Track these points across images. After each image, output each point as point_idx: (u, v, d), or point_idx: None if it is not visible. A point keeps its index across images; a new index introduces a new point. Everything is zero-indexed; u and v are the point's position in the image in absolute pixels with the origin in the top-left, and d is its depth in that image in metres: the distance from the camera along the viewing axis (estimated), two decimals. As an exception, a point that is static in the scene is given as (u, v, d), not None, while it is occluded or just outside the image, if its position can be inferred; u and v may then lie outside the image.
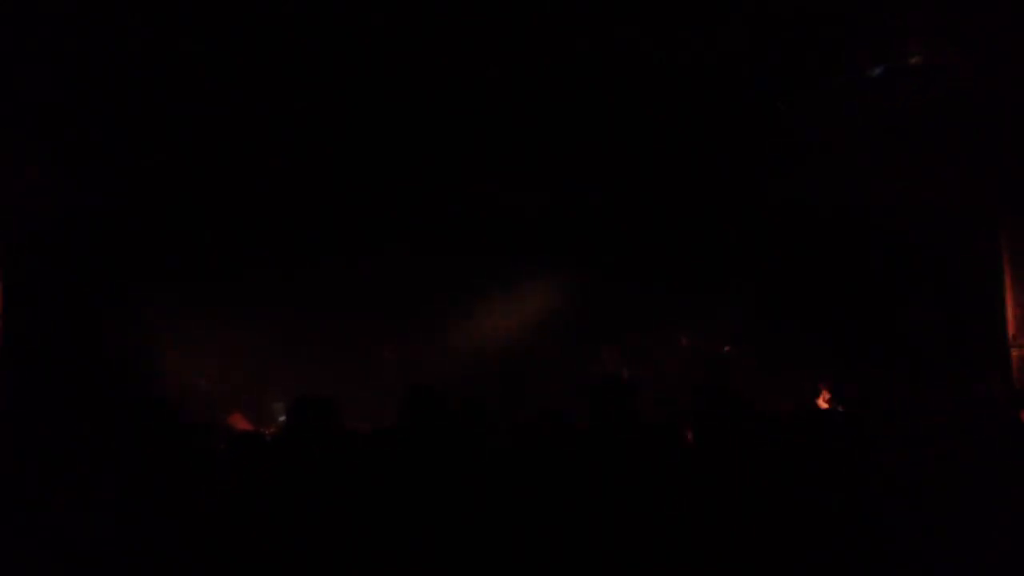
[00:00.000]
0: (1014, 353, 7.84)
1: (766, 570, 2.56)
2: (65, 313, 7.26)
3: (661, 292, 8.30)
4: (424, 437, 3.29)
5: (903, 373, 7.05)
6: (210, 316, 7.63)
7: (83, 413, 4.75)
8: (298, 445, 3.20)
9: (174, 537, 2.68)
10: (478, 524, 2.73)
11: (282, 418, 6.78)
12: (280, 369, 7.68)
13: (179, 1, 5.42)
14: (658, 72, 6.27)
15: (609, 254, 8.38)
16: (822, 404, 6.51)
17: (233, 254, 7.95)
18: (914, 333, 7.87)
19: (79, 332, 7.26)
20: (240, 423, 6.68)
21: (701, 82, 6.44)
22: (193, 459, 3.16)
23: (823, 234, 8.32)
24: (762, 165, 7.50)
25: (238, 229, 7.99)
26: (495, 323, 8.38)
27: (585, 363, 7.80)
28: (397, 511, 2.79)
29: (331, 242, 8.23)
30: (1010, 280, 7.99)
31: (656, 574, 2.61)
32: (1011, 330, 7.91)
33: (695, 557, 2.61)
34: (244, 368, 7.58)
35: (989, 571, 2.44)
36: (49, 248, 7.21)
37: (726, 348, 8.00)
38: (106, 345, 7.26)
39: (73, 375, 6.74)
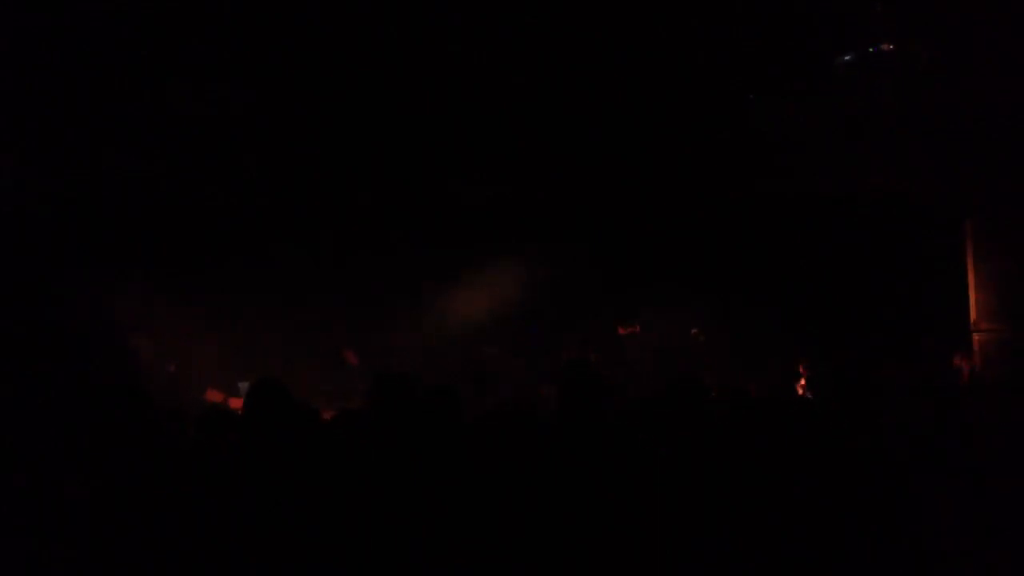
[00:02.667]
0: (976, 338, 8.00)
1: (742, 557, 2.57)
2: (29, 300, 7.16)
3: (629, 278, 8.34)
4: (391, 423, 3.26)
5: (872, 357, 7.15)
6: (177, 301, 7.59)
7: (51, 401, 4.68)
8: (257, 427, 3.16)
9: (150, 523, 2.65)
10: (448, 513, 2.71)
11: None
12: (245, 350, 7.63)
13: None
14: (631, 64, 6.25)
15: (576, 242, 8.39)
16: (799, 389, 6.56)
17: (200, 240, 7.90)
18: (882, 319, 7.98)
19: (44, 320, 7.17)
20: (215, 397, 6.84)
21: (674, 72, 6.43)
22: (165, 445, 3.13)
23: (793, 222, 8.40)
24: (733, 155, 7.52)
25: (206, 215, 7.93)
26: (462, 313, 8.37)
27: (553, 350, 7.79)
28: (363, 498, 2.76)
29: (298, 228, 8.20)
30: (972, 268, 8.14)
31: (626, 562, 2.61)
32: (973, 316, 8.07)
33: (666, 544, 2.61)
34: (209, 351, 7.52)
35: (964, 553, 2.47)
36: (11, 234, 7.10)
37: (693, 332, 8.05)
38: (73, 332, 7.19)
39: (39, 364, 6.66)
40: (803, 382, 6.57)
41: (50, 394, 5.41)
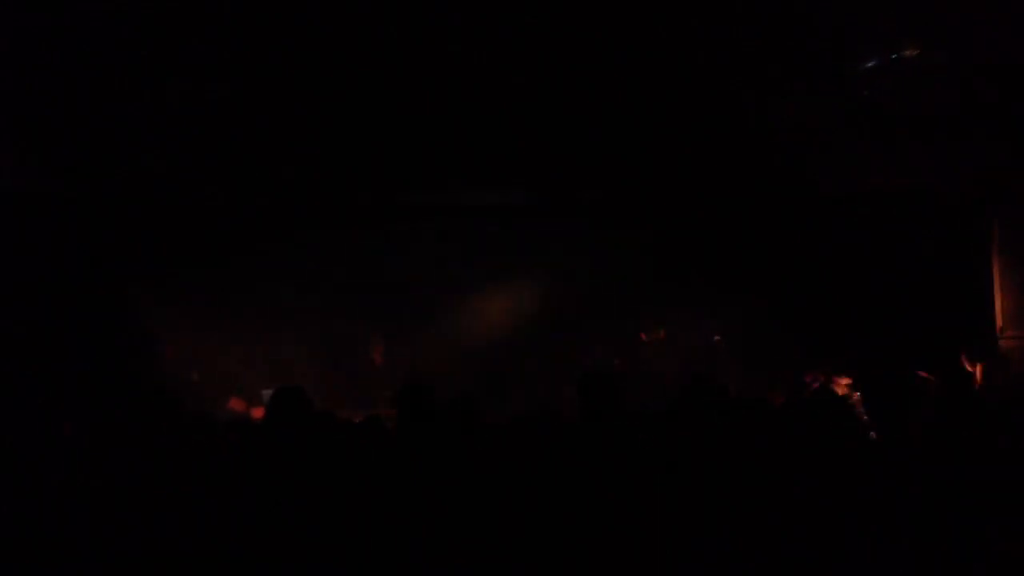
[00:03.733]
0: (1002, 345, 7.90)
1: (754, 560, 2.57)
2: (55, 309, 7.25)
3: (651, 283, 8.32)
4: (417, 432, 3.30)
5: (894, 364, 7.07)
6: (200, 309, 7.65)
7: (78, 408, 4.74)
8: (277, 434, 3.21)
9: (173, 527, 2.68)
10: (469, 519, 2.73)
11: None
12: (269, 359, 7.68)
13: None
14: (643, 67, 6.24)
15: (598, 246, 8.40)
16: (839, 389, 6.43)
17: (224, 248, 7.95)
18: (905, 325, 7.90)
19: (71, 328, 7.26)
20: (238, 406, 6.88)
21: (688, 77, 6.41)
22: (194, 449, 3.17)
23: (814, 227, 8.34)
24: (752, 157, 7.49)
25: (233, 223, 8.01)
26: (484, 318, 8.39)
27: (575, 355, 7.80)
28: (386, 505, 2.78)
29: (324, 237, 8.26)
30: (998, 274, 8.04)
31: (644, 566, 2.62)
32: (999, 323, 7.97)
33: (683, 548, 2.61)
34: (233, 358, 7.57)
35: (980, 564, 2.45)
36: (37, 241, 7.20)
37: (716, 339, 8.02)
38: (98, 341, 7.27)
39: (66, 370, 6.75)
40: (848, 382, 6.44)
41: (76, 402, 5.48)
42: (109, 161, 7.10)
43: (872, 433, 3.49)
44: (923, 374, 5.37)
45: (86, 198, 7.44)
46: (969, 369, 6.59)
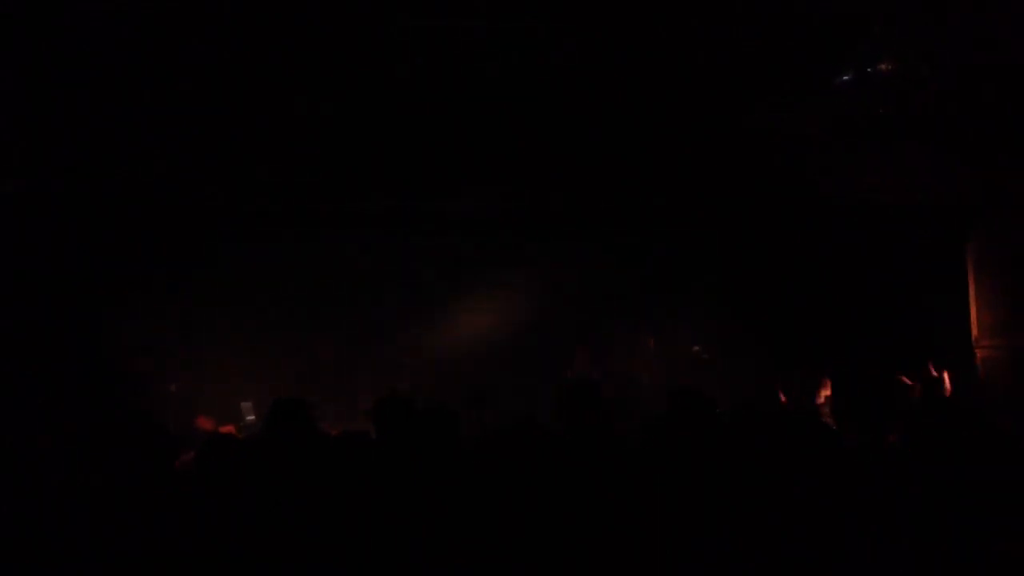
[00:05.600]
0: (978, 354, 7.98)
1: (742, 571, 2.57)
2: (33, 321, 7.17)
3: (632, 293, 8.35)
4: (395, 446, 3.28)
5: (871, 374, 7.10)
6: (179, 320, 7.59)
7: (58, 422, 4.67)
8: (277, 448, 3.18)
9: (157, 541, 2.65)
10: (451, 532, 2.71)
11: (250, 417, 6.76)
12: (245, 371, 7.62)
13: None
14: (634, 72, 6.25)
15: (581, 255, 8.41)
16: (820, 398, 6.47)
17: (204, 256, 7.88)
18: (882, 335, 7.96)
19: (50, 340, 7.17)
20: (206, 425, 6.63)
21: (677, 83, 6.43)
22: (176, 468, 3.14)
23: (793, 237, 8.40)
24: (733, 168, 7.53)
25: (211, 231, 7.94)
26: (462, 329, 8.37)
27: (557, 365, 7.79)
28: (370, 518, 2.76)
29: (303, 245, 8.21)
30: (974, 284, 8.13)
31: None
32: (975, 332, 8.05)
33: (668, 560, 2.61)
34: (209, 371, 7.50)
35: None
36: (18, 254, 7.12)
37: (695, 349, 8.04)
38: (75, 352, 7.19)
39: (44, 385, 6.66)
40: (827, 393, 6.49)
41: (57, 412, 5.41)
42: (88, 164, 7.03)
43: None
44: (904, 379, 5.44)
45: (61, 206, 7.36)
46: (935, 375, 6.67)
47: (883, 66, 6.07)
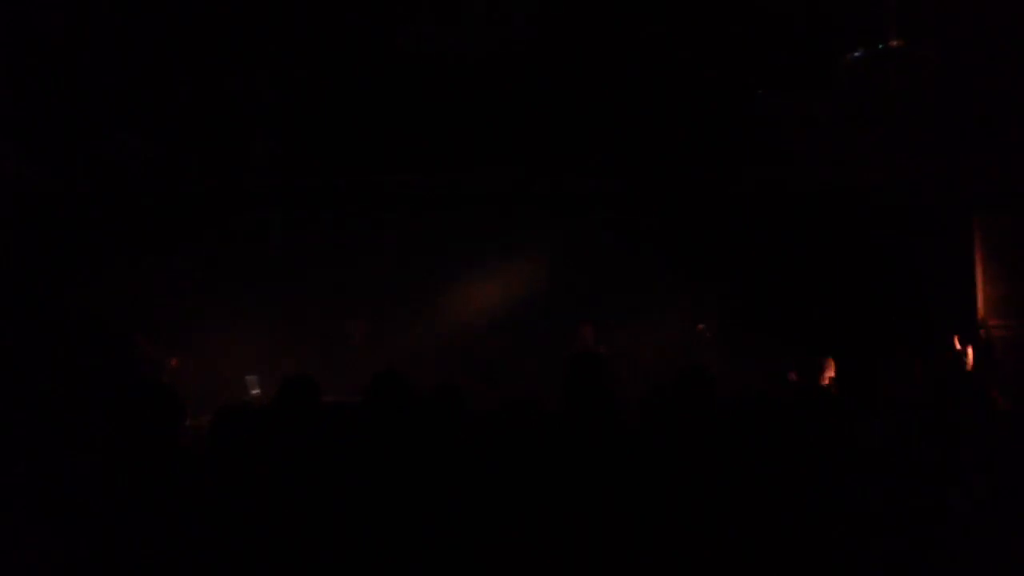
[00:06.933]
0: (983, 334, 7.98)
1: (750, 554, 2.57)
2: (25, 308, 7.18)
3: (638, 271, 8.34)
4: (391, 424, 3.25)
5: (878, 354, 7.13)
6: (179, 295, 7.62)
7: (52, 409, 4.68)
8: (287, 423, 3.18)
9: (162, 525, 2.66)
10: (453, 512, 2.71)
11: (255, 391, 6.77)
12: (253, 344, 7.61)
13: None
14: (638, 60, 6.24)
15: (586, 233, 8.40)
16: (825, 380, 6.48)
17: (202, 233, 7.91)
18: (889, 315, 7.96)
19: (41, 327, 7.19)
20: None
21: (679, 69, 6.42)
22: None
23: (800, 218, 8.39)
24: (739, 150, 7.52)
25: (209, 207, 7.96)
26: (469, 305, 8.36)
27: (562, 341, 7.79)
28: (372, 500, 2.77)
29: (304, 221, 8.22)
30: (981, 264, 8.12)
31: (634, 560, 2.62)
32: (981, 312, 8.05)
33: (671, 540, 2.61)
34: (214, 345, 7.51)
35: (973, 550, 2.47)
36: (10, 237, 7.13)
37: (699, 327, 8.03)
38: (74, 328, 7.21)
39: (36, 371, 6.69)
40: (831, 374, 6.48)
41: (61, 390, 5.43)
42: (87, 148, 7.04)
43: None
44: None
45: (60, 188, 7.37)
46: (959, 349, 6.70)
47: (893, 43, 6.01)
